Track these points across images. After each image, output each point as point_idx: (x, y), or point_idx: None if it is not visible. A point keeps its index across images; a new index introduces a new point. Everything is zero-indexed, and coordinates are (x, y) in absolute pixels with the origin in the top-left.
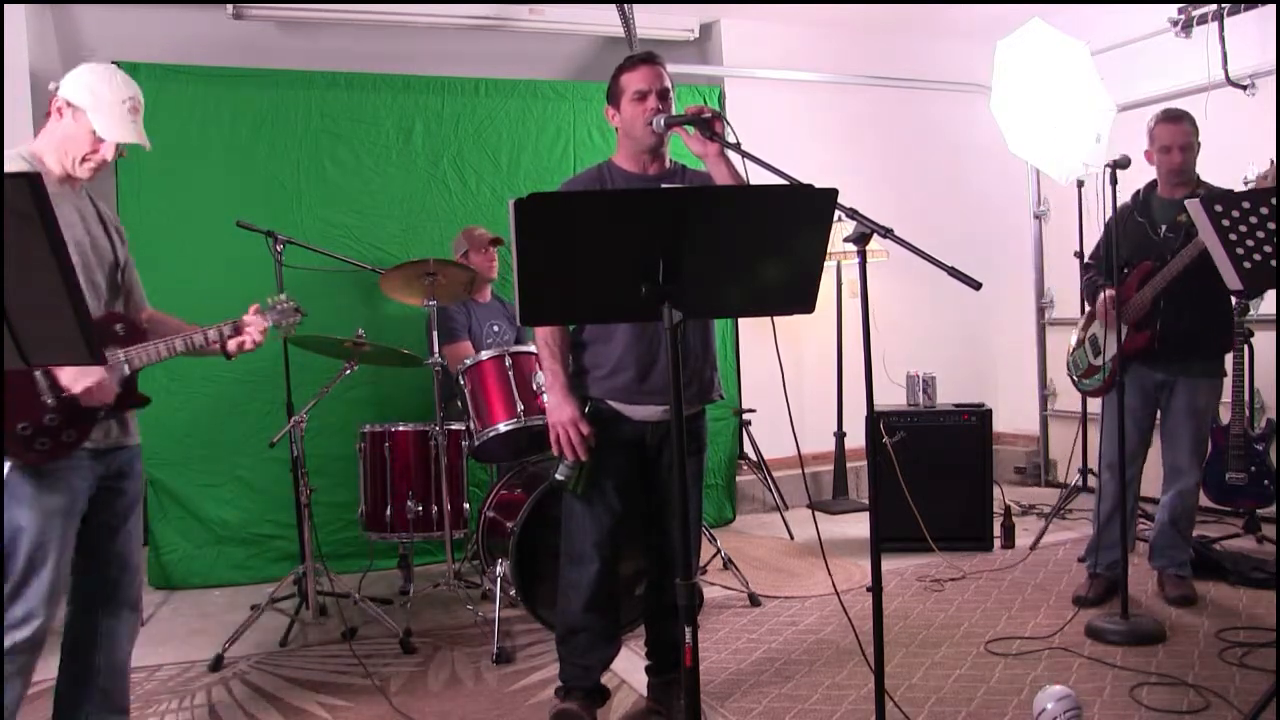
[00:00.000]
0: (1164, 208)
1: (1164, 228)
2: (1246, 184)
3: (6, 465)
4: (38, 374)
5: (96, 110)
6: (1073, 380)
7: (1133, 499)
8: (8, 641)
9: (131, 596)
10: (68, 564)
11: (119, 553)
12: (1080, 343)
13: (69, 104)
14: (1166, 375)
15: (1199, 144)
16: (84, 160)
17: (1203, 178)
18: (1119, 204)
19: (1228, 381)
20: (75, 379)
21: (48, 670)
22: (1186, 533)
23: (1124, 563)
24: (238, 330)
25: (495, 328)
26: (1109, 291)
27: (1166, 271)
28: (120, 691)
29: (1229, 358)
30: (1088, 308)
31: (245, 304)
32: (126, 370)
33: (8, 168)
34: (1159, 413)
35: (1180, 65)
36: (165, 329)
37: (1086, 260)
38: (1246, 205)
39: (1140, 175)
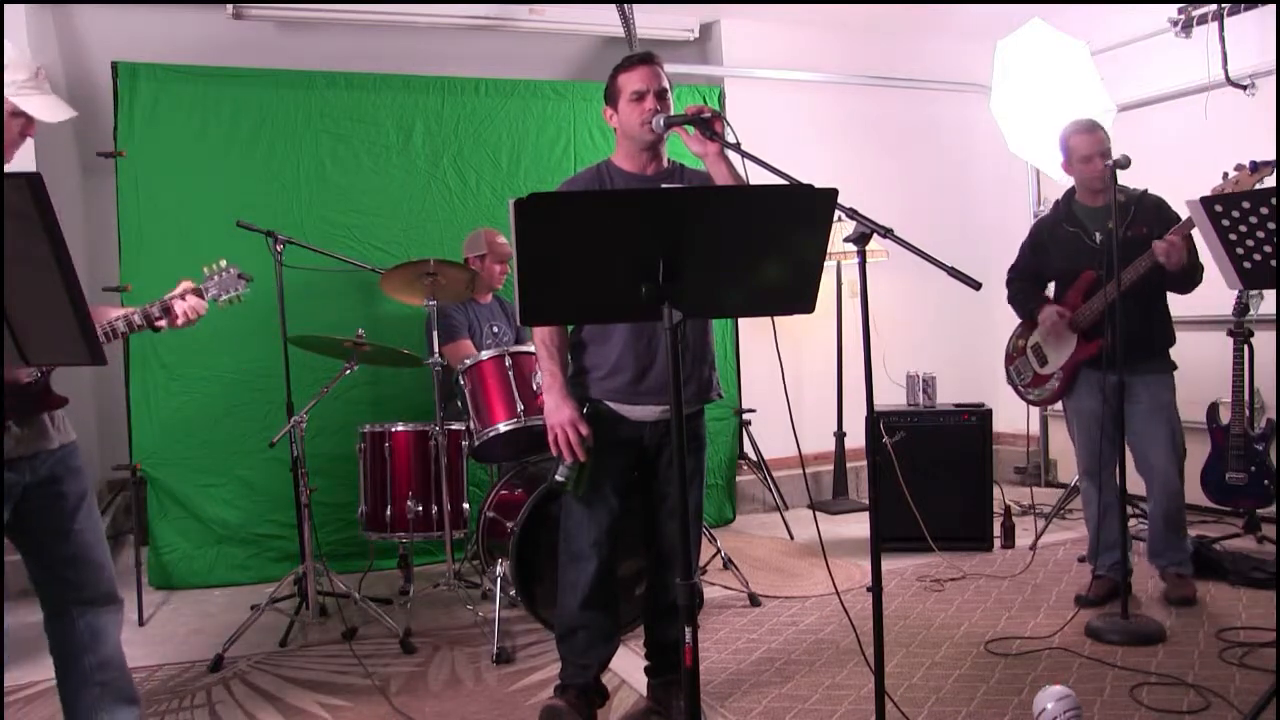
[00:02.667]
0: (1092, 215)
1: (1099, 235)
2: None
3: None
4: None
5: (19, 94)
6: (1017, 391)
7: (1113, 498)
8: None
9: (103, 592)
10: None
11: (74, 555)
12: (1020, 352)
13: None
14: (1120, 378)
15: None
16: (10, 146)
17: (1202, 178)
18: (1040, 218)
19: (1226, 382)
20: None
21: (47, 670)
22: (1181, 529)
23: (1124, 563)
24: (167, 311)
25: (495, 329)
26: (1053, 306)
27: (1122, 280)
28: (122, 681)
29: (1232, 353)
30: (1019, 319)
31: (245, 303)
32: (38, 372)
33: None
34: (1125, 416)
35: (1180, 65)
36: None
37: (1008, 274)
38: (1246, 205)
39: (1139, 175)
